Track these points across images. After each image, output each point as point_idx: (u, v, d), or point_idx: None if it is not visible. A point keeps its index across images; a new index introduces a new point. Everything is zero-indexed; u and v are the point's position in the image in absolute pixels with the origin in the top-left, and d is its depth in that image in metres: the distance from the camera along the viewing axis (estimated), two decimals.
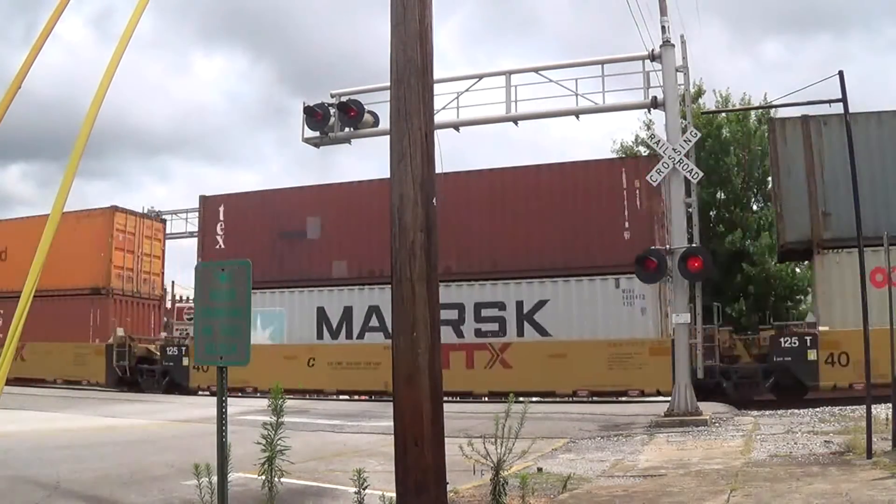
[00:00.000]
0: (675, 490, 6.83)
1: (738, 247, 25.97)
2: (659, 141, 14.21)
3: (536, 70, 15.65)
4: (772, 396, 17.13)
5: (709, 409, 14.06)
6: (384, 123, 15.75)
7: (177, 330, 25.92)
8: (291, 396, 19.75)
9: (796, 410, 14.04)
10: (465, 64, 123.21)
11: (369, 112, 16.52)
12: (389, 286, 5.74)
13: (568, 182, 19.61)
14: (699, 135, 14.66)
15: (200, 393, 22.05)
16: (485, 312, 19.81)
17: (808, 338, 16.68)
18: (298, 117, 17.11)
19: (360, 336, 20.85)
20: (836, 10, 72.42)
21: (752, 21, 70.75)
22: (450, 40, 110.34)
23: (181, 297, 33.76)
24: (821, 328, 16.76)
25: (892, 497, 5.88)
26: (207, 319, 4.79)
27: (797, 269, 26.80)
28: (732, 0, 65.98)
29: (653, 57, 14.32)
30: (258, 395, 20.15)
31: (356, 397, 21.33)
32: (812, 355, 16.55)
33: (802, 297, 28.08)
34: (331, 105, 16.70)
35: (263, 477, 4.96)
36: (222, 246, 22.75)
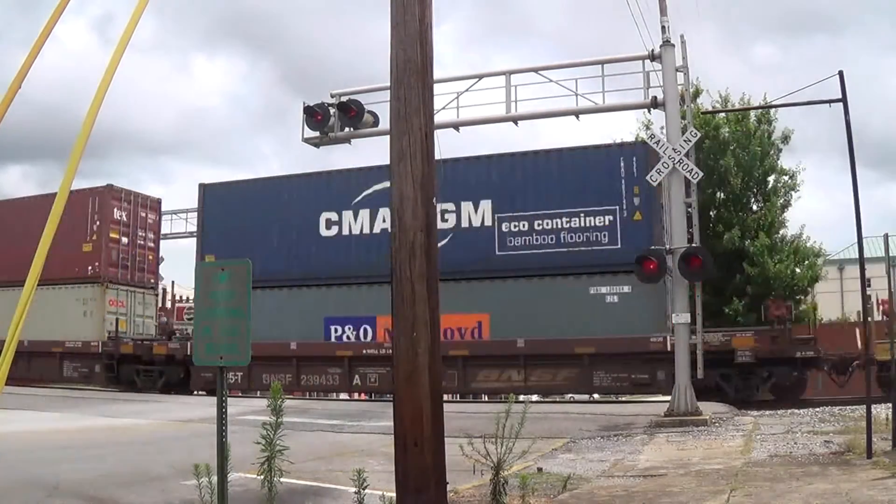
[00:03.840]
0: (676, 490, 6.83)
1: (736, 245, 25.92)
2: (659, 141, 14.19)
3: (536, 70, 15.65)
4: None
5: (709, 409, 14.05)
6: (384, 123, 15.75)
7: None
8: None
9: (796, 410, 14.04)
10: (463, 66, 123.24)
11: (369, 112, 16.54)
12: None
13: None
14: (699, 135, 14.63)
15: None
16: None
17: None
18: (298, 118, 17.17)
19: None
20: (830, 10, 72.37)
21: (745, 23, 70.75)
22: (447, 43, 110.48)
23: (181, 296, 33.44)
24: None
25: (892, 497, 5.88)
26: (207, 319, 4.80)
27: (797, 270, 26.76)
28: (725, 2, 65.91)
29: (653, 57, 14.32)
30: None
31: (356, 396, 20.77)
32: None
33: (802, 297, 28.05)
34: (331, 105, 16.70)
35: (263, 477, 4.96)
36: None
